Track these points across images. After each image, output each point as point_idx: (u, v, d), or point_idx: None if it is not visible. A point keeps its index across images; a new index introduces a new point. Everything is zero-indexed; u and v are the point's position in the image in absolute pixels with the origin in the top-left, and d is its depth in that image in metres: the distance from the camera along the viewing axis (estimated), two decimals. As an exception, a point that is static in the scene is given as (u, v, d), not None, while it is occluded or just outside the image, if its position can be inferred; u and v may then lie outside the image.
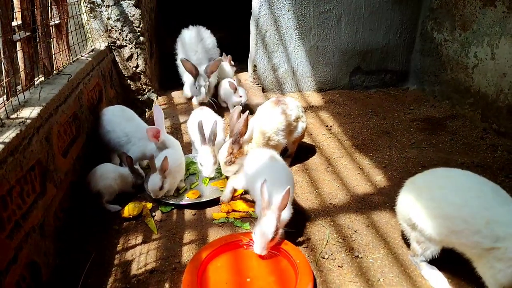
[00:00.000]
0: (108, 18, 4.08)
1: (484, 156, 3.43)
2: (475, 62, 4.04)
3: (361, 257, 2.35)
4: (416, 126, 4.06)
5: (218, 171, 3.11)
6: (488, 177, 3.08)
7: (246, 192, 3.03)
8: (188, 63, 3.97)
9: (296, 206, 2.84)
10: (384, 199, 2.90)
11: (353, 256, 2.36)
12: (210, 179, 3.12)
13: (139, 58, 4.31)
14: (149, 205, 2.86)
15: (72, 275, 2.24)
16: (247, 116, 2.90)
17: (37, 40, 2.91)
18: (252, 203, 2.87)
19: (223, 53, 5.02)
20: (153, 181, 2.79)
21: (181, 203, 2.86)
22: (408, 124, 4.13)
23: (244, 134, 2.95)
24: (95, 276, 2.25)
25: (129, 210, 2.75)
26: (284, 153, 3.37)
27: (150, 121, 3.83)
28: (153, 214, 2.80)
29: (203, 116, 3.34)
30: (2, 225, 1.79)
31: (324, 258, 2.35)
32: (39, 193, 2.21)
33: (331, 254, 2.37)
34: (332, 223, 2.65)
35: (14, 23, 2.65)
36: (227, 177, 3.07)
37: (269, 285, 2.12)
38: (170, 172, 2.83)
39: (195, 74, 4.06)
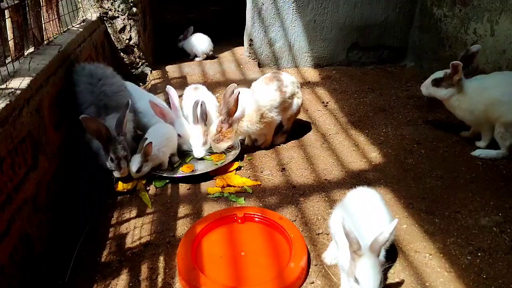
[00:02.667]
0: (100, -12, 3.95)
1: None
2: (474, 39, 3.98)
3: (355, 232, 2.36)
4: (413, 103, 4.04)
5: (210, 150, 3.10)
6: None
7: (241, 167, 3.03)
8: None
9: (291, 181, 2.84)
10: (378, 176, 2.89)
11: (347, 231, 2.37)
12: (199, 159, 3.08)
13: (132, 30, 4.20)
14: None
15: (66, 248, 2.24)
16: (238, 96, 2.84)
17: (26, 9, 2.81)
18: (247, 177, 2.87)
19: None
20: (133, 162, 2.72)
21: (175, 175, 2.85)
22: (405, 101, 4.10)
23: (233, 114, 2.91)
24: (90, 249, 2.25)
25: (123, 184, 2.73)
26: (279, 129, 3.34)
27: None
28: (148, 188, 2.79)
29: (197, 95, 3.29)
30: (-6, 197, 1.77)
31: (318, 233, 2.36)
32: (31, 165, 2.18)
33: (325, 229, 2.37)
34: (326, 199, 2.66)
35: (1, -10, 2.55)
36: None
37: (263, 259, 2.13)
38: (153, 158, 2.78)
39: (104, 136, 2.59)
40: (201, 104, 3.03)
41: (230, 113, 2.90)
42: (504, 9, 3.59)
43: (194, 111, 3.02)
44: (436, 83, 3.19)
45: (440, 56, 4.54)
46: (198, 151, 3.04)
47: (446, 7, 4.38)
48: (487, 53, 3.81)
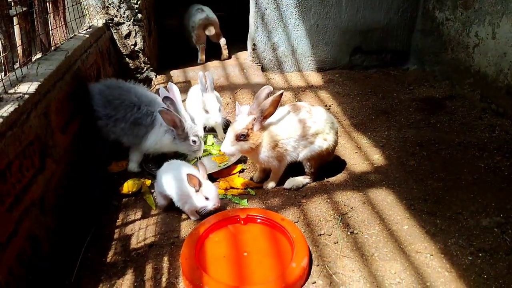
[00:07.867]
0: (106, -5, 4.02)
1: (482, 136, 3.43)
2: (476, 42, 4.00)
3: (357, 233, 2.38)
4: (415, 106, 4.06)
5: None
6: (485, 157, 3.13)
7: (243, 169, 3.06)
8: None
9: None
10: (380, 178, 2.92)
11: (349, 232, 2.39)
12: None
13: (137, 36, 4.27)
14: (148, 182, 2.89)
15: (72, 249, 2.29)
16: (280, 96, 2.47)
17: (34, 16, 2.88)
18: (250, 180, 2.90)
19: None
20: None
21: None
22: (407, 104, 4.12)
23: (269, 116, 2.55)
24: (95, 250, 2.30)
25: (128, 186, 2.77)
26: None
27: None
28: (152, 190, 2.83)
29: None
30: (2, 199, 1.81)
31: (320, 234, 2.38)
32: (38, 168, 2.23)
33: (327, 230, 2.40)
34: (328, 200, 2.68)
35: (10, -2, 2.63)
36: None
37: (266, 259, 2.16)
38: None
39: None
40: (208, 75, 3.02)
41: (266, 114, 2.51)
42: (505, 12, 3.61)
43: (202, 81, 2.96)
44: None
45: (442, 59, 4.56)
46: (216, 115, 2.96)
47: (448, 11, 4.41)
48: (488, 56, 3.83)
